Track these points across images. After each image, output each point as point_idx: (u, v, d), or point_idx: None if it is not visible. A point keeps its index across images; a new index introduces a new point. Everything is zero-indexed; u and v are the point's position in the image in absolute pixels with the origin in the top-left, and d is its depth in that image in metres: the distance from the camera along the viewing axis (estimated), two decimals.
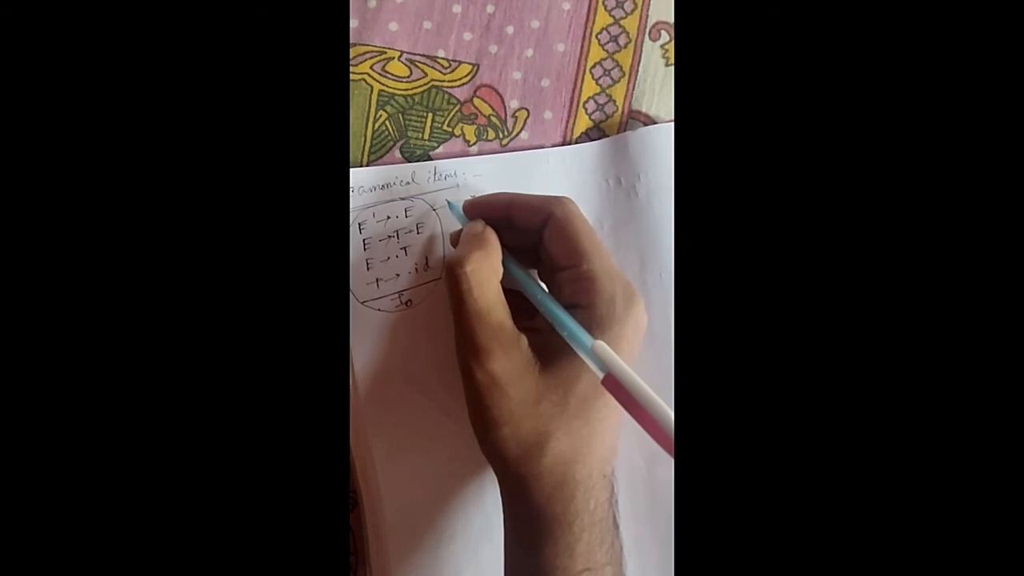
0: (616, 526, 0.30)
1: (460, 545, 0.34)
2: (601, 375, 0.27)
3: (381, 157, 0.37)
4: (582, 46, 0.38)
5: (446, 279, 0.30)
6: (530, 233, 0.31)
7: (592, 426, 0.29)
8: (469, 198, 0.33)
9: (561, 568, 0.28)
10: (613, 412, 0.29)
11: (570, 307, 0.30)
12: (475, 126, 0.37)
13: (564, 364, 0.29)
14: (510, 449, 0.29)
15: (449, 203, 0.35)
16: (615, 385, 0.27)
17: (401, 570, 0.34)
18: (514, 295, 0.31)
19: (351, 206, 0.35)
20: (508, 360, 0.29)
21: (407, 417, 0.35)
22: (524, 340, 0.30)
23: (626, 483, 0.35)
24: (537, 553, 0.28)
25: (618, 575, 0.30)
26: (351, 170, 0.35)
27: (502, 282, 0.31)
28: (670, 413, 0.25)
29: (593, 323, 0.29)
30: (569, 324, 0.28)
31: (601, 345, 0.27)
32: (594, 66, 0.38)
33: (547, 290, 0.32)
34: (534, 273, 0.33)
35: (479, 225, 0.31)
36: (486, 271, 0.29)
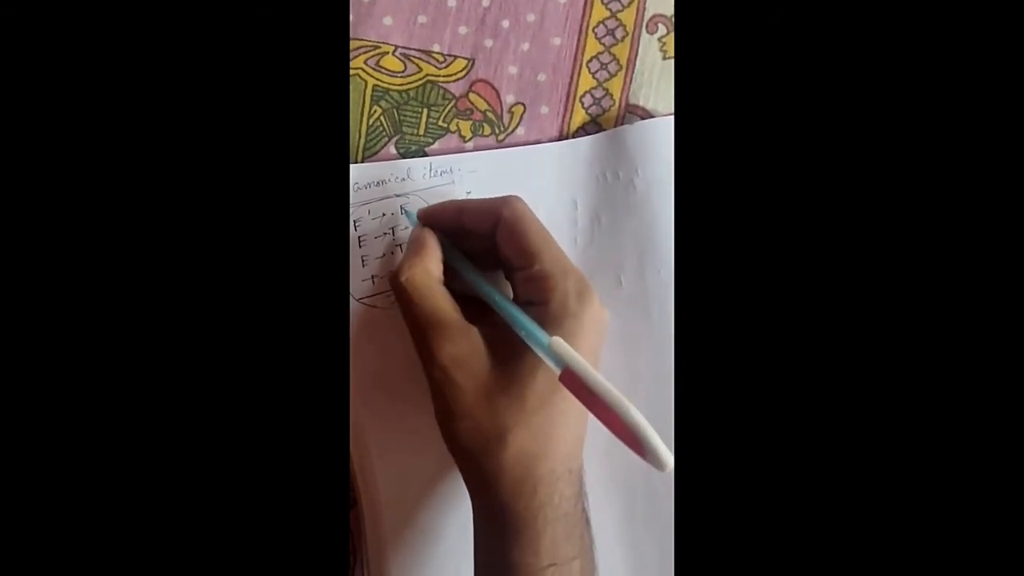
0: (586, 521, 0.30)
1: (458, 541, 0.34)
2: (558, 371, 0.27)
3: (376, 153, 0.36)
4: (578, 40, 0.37)
5: (392, 291, 0.31)
6: (485, 237, 0.31)
7: (553, 422, 0.29)
8: (422, 207, 0.34)
9: (525, 564, 0.28)
10: (575, 407, 0.29)
11: (525, 305, 0.30)
12: (471, 121, 0.37)
13: (520, 360, 0.29)
14: (468, 442, 0.29)
15: (405, 212, 0.35)
16: (573, 381, 0.26)
17: (399, 567, 0.34)
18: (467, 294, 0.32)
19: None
20: (456, 351, 0.29)
21: (404, 414, 0.35)
22: (474, 332, 0.30)
23: (624, 489, 0.35)
24: (501, 549, 0.29)
25: (587, 569, 0.30)
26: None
27: (457, 286, 0.31)
28: (629, 406, 0.25)
29: (547, 320, 0.29)
30: (525, 323, 0.29)
31: (558, 341, 0.27)
32: (591, 60, 0.37)
33: (508, 291, 0.32)
34: (498, 275, 0.33)
35: (417, 230, 0.32)
36: (420, 275, 0.30)
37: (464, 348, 0.30)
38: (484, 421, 0.29)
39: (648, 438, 0.24)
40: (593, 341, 0.30)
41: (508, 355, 0.30)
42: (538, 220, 0.31)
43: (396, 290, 0.31)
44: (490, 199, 0.32)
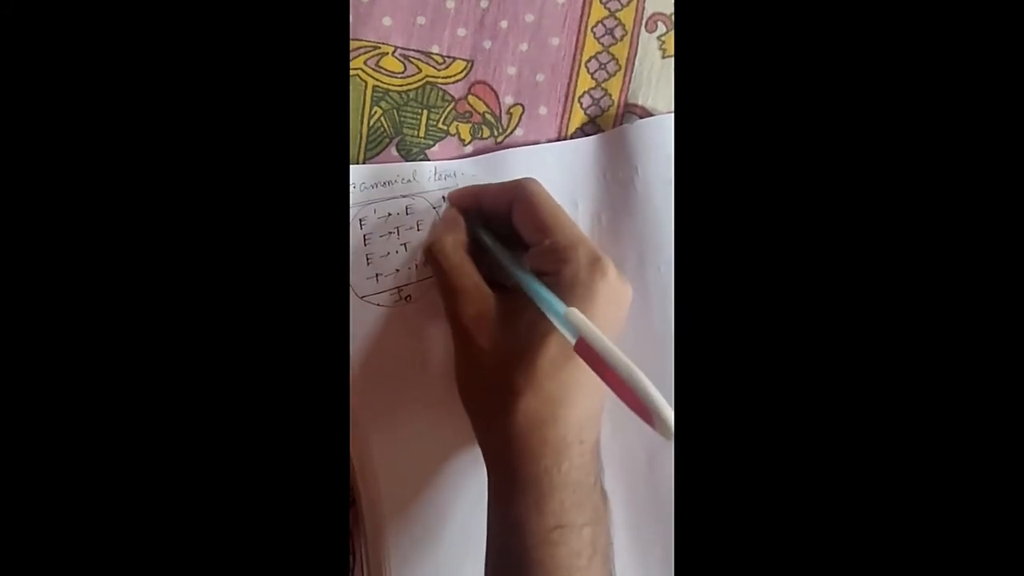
0: (603, 495, 0.31)
1: (460, 538, 0.34)
2: (573, 341, 0.27)
3: (377, 154, 0.36)
4: (577, 40, 0.37)
5: (425, 260, 0.35)
6: (505, 218, 0.33)
7: (565, 389, 0.30)
8: (452, 190, 0.36)
9: (530, 523, 0.29)
10: (590, 380, 0.29)
11: (540, 277, 0.31)
12: (470, 124, 0.37)
13: (534, 328, 0.30)
14: (481, 401, 0.31)
15: (443, 198, 0.36)
16: (587, 350, 0.27)
17: (398, 566, 0.34)
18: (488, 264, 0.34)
19: (352, 201, 0.35)
20: (475, 312, 0.32)
21: (405, 411, 0.35)
22: (492, 296, 0.32)
23: (626, 478, 0.35)
24: (509, 508, 0.29)
25: (600, 537, 0.30)
26: (354, 166, 0.35)
27: (486, 271, 0.33)
28: (640, 375, 0.25)
29: (560, 290, 0.30)
30: (543, 293, 0.29)
31: (573, 311, 0.28)
32: (589, 60, 0.37)
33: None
34: (522, 257, 0.33)
35: (446, 209, 0.36)
36: (449, 243, 0.33)
37: (483, 310, 0.32)
38: (497, 382, 0.30)
39: (657, 407, 0.24)
40: (608, 311, 0.30)
41: (525, 322, 0.31)
42: (551, 198, 0.33)
43: (428, 257, 0.34)
44: (506, 182, 0.34)
